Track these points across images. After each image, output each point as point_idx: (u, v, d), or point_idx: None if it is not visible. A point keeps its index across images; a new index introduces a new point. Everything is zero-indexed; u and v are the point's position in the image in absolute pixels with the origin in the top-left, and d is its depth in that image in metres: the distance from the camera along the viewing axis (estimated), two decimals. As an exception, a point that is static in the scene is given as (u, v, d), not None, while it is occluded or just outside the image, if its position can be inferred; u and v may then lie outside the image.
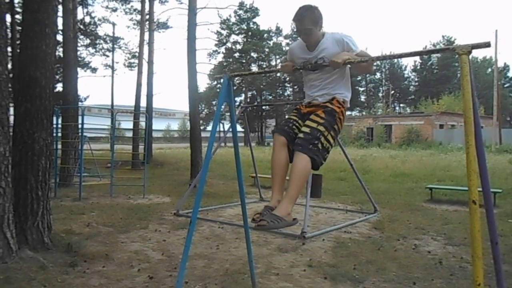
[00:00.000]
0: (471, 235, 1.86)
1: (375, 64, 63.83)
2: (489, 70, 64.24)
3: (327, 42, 2.88)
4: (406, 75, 70.94)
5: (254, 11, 48.37)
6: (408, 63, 71.12)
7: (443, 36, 64.96)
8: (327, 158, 2.80)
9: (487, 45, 1.99)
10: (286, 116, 3.13)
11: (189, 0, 12.63)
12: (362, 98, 68.40)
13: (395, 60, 65.17)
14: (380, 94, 71.65)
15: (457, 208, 7.91)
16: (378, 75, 70.49)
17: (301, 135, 2.71)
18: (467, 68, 1.97)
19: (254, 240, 5.34)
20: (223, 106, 3.16)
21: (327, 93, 2.93)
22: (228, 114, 3.46)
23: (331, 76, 2.92)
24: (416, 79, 70.30)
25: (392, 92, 68.14)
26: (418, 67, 68.32)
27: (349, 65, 2.87)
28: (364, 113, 60.22)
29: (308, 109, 2.95)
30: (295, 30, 2.88)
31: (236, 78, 47.46)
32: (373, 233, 5.88)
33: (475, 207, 1.85)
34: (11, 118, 4.40)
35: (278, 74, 45.08)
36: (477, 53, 74.54)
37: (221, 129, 25.35)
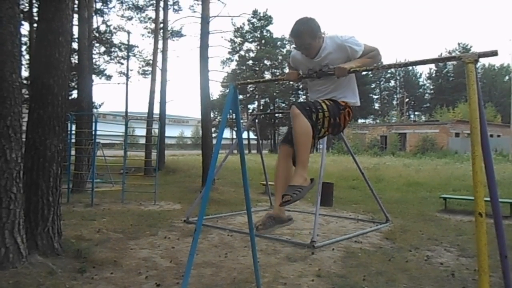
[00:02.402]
0: (477, 249, 1.81)
1: (389, 71, 62.84)
2: (507, 78, 63.19)
3: (328, 48, 2.83)
4: (421, 83, 70.25)
5: (267, 19, 48.61)
6: (423, 70, 70.48)
7: (459, 44, 64.21)
8: (319, 136, 2.83)
9: (494, 53, 1.95)
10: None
11: (202, 8, 12.75)
12: (376, 106, 67.89)
13: (410, 67, 64.64)
14: (395, 102, 71.01)
15: (471, 219, 7.73)
16: (392, 82, 69.99)
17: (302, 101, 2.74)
18: (473, 77, 1.94)
19: (263, 248, 5.31)
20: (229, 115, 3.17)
21: (334, 97, 2.90)
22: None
23: (337, 81, 2.89)
24: (431, 87, 69.53)
25: (407, 100, 67.47)
26: (434, 75, 67.59)
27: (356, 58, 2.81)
28: (378, 121, 59.71)
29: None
30: (293, 45, 2.83)
31: (249, 86, 47.63)
32: (384, 243, 5.79)
33: (481, 219, 1.80)
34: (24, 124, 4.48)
35: (291, 82, 45.07)
36: (495, 61, 73.43)
37: (234, 136, 25.40)
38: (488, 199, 2.24)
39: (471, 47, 62.67)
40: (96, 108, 25.63)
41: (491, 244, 2.11)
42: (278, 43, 50.21)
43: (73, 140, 10.73)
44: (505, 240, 2.24)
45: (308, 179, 2.63)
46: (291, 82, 4.56)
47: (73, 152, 10.74)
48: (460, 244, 5.71)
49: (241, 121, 3.30)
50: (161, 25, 19.64)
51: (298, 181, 2.55)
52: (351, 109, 2.93)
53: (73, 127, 10.56)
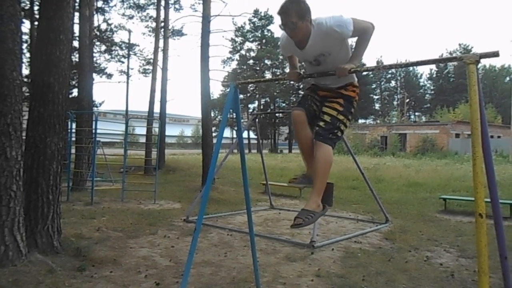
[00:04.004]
0: (478, 250, 1.80)
1: (389, 72, 62.50)
2: (508, 79, 63.18)
3: (317, 36, 2.70)
4: (421, 83, 70.22)
5: (268, 19, 48.58)
6: (424, 71, 70.36)
7: (459, 44, 64.19)
8: None
9: (495, 54, 1.94)
10: (303, 94, 3.11)
11: (203, 7, 12.74)
12: (377, 106, 67.91)
13: (410, 68, 64.67)
14: (395, 102, 70.99)
15: (471, 220, 7.72)
16: (393, 83, 69.96)
17: (322, 123, 2.77)
18: (474, 78, 1.93)
19: (263, 248, 5.31)
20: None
21: (338, 80, 2.88)
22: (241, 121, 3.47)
23: (339, 63, 2.80)
24: (432, 88, 69.50)
25: (407, 100, 67.46)
26: (434, 75, 67.57)
27: (349, 37, 2.74)
28: (378, 121, 59.69)
29: (325, 93, 2.96)
30: (280, 24, 2.70)
31: (250, 86, 47.60)
32: (383, 243, 5.78)
33: (481, 220, 1.80)
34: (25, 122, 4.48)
35: (292, 82, 45.10)
36: (495, 62, 73.41)
37: (234, 136, 25.43)
38: (489, 200, 2.24)
39: (472, 48, 62.66)
40: (97, 106, 25.58)
41: (491, 245, 2.11)
42: (279, 42, 50.16)
43: (73, 139, 10.72)
44: (505, 241, 2.24)
45: (321, 205, 2.74)
46: (291, 82, 4.57)
47: (73, 151, 10.73)
48: (460, 244, 5.71)
49: (242, 120, 3.30)
50: (162, 24, 19.61)
51: (311, 206, 2.67)
52: (358, 89, 2.98)
53: (74, 126, 10.56)
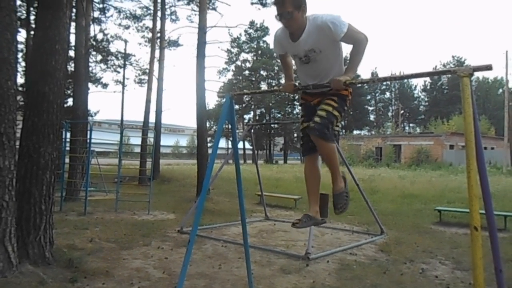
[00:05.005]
0: (473, 263, 1.80)
1: (385, 84, 62.92)
2: (500, 90, 63.83)
3: (311, 30, 2.71)
4: (416, 95, 70.90)
5: (264, 30, 49.02)
6: (418, 83, 71.13)
7: (453, 57, 65.02)
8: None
9: (488, 67, 1.96)
10: (301, 128, 3.17)
11: (199, 19, 12.81)
12: (371, 117, 68.32)
13: (405, 79, 65.22)
14: (390, 114, 71.47)
15: (466, 231, 7.72)
16: (387, 94, 70.50)
17: (317, 119, 2.80)
18: (468, 90, 1.95)
19: (257, 260, 5.27)
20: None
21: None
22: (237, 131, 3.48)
23: (327, 64, 2.84)
24: (426, 99, 70.13)
25: (402, 111, 67.90)
26: (428, 87, 68.23)
27: (341, 39, 2.73)
28: (373, 132, 59.98)
29: (318, 99, 2.97)
30: (276, 14, 2.71)
31: (245, 96, 47.75)
32: (379, 255, 5.76)
33: (476, 233, 1.79)
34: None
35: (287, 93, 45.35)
36: (488, 74, 74.27)
37: (229, 146, 25.40)
38: (483, 211, 2.24)
39: (465, 60, 63.50)
40: (92, 116, 25.53)
41: (486, 257, 2.10)
42: (275, 53, 50.49)
43: (68, 148, 10.66)
44: (499, 254, 2.23)
45: (342, 181, 3.09)
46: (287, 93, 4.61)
47: (67, 160, 10.66)
48: (455, 257, 5.70)
49: (237, 131, 3.30)
50: (158, 35, 19.68)
51: (340, 188, 3.04)
52: (351, 88, 2.99)
53: (68, 135, 10.50)
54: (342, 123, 52.04)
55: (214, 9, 18.65)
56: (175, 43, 23.63)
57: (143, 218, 8.50)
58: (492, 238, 2.18)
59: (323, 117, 2.77)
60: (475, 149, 1.88)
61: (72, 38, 12.23)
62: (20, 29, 15.53)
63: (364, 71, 75.19)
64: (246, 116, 51.14)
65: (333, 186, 3.05)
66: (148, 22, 22.72)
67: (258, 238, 6.84)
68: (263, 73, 49.79)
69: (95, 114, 27.81)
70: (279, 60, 3.32)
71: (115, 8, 21.88)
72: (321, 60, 2.79)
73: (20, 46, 16.81)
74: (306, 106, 3.06)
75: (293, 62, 3.10)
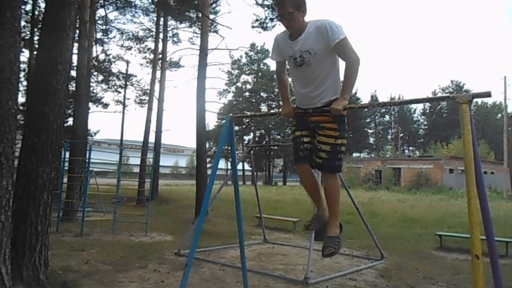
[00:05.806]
0: (475, 292, 1.76)
1: (385, 108, 63.10)
2: (499, 115, 64.18)
3: (310, 31, 2.78)
4: (415, 118, 71.26)
5: (264, 53, 49.60)
6: (418, 106, 71.65)
7: (451, 81, 65.65)
8: None
9: (487, 94, 1.98)
10: (292, 137, 3.10)
11: (201, 41, 12.99)
12: (371, 140, 68.46)
13: (404, 105, 65.58)
14: (389, 137, 71.70)
15: (467, 257, 7.62)
16: (387, 117, 70.88)
17: (323, 155, 2.80)
18: (467, 117, 1.96)
19: (255, 284, 5.18)
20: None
21: (324, 92, 2.86)
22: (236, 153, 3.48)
23: (321, 71, 2.82)
24: (425, 123, 70.46)
25: (401, 135, 68.16)
26: (428, 111, 68.66)
27: (334, 47, 2.74)
28: (372, 155, 59.99)
29: (316, 118, 2.89)
30: (276, 15, 2.83)
31: (245, 118, 47.88)
32: (379, 281, 5.66)
33: (477, 262, 1.77)
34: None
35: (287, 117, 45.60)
36: (487, 99, 74.84)
37: (229, 167, 25.37)
38: (484, 237, 2.21)
39: (463, 84, 64.14)
40: (92, 135, 25.57)
41: (487, 283, 2.06)
42: (275, 76, 51.01)
43: (66, 168, 10.62)
44: (501, 281, 2.19)
45: (338, 227, 2.96)
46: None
47: (65, 180, 10.60)
48: (456, 283, 5.60)
49: (236, 152, 3.29)
50: (160, 56, 19.92)
51: (335, 232, 2.91)
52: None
53: (67, 155, 10.48)
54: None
55: (216, 31, 18.89)
56: (176, 64, 23.89)
57: (140, 239, 8.39)
58: (494, 265, 2.15)
59: (328, 152, 2.81)
60: (475, 175, 1.87)
61: (74, 58, 12.37)
62: (23, 49, 15.74)
63: (363, 94, 75.86)
64: (246, 137, 51.24)
65: (327, 228, 2.94)
66: (150, 44, 22.99)
67: (256, 262, 6.74)
68: (264, 94, 50.16)
69: (95, 133, 27.87)
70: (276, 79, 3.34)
71: (118, 29, 22.16)
72: (315, 63, 2.79)
73: (23, 66, 17.02)
74: (299, 116, 3.03)
75: (288, 67, 3.08)
